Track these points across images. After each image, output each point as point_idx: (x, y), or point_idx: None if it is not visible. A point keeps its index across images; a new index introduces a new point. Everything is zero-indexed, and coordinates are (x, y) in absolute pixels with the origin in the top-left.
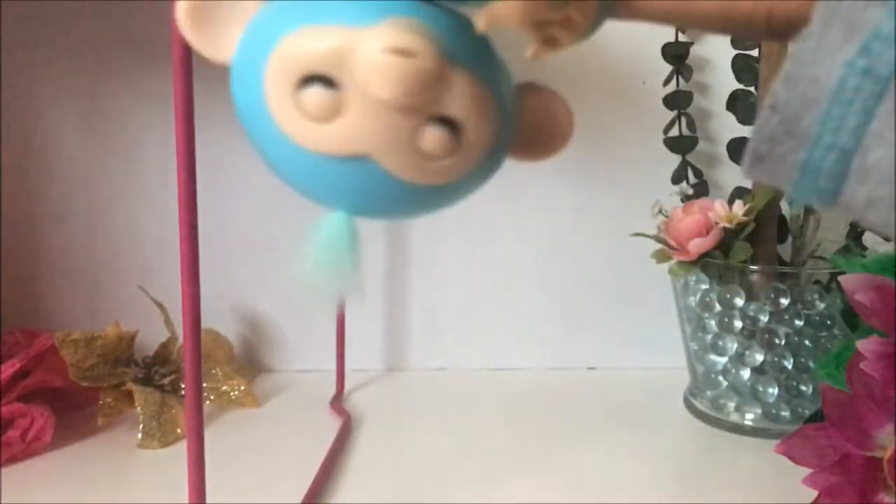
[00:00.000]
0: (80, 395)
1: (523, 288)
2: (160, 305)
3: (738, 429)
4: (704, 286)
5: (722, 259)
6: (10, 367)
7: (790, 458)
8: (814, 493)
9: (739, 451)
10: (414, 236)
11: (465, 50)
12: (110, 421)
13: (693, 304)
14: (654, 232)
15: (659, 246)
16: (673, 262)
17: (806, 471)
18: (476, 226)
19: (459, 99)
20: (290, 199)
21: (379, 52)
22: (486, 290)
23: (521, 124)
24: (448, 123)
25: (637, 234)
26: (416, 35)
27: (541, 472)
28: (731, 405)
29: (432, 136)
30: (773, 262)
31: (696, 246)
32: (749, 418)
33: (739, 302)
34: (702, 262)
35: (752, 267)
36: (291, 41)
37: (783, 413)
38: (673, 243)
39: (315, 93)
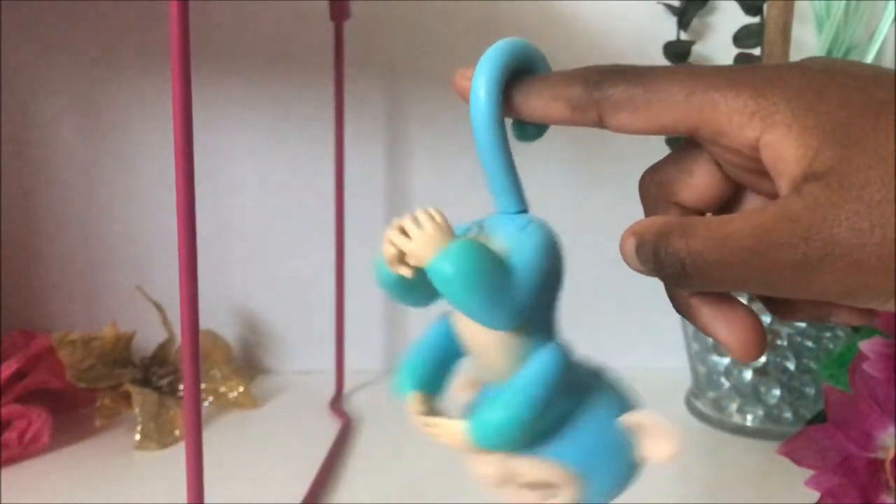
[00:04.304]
0: (78, 397)
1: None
2: (158, 306)
3: (740, 430)
4: None
5: None
6: (8, 369)
7: (793, 459)
8: (816, 495)
9: (741, 453)
10: None
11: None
12: (108, 422)
13: None
14: None
15: None
16: None
17: (808, 472)
18: None
19: (531, 477)
20: (290, 199)
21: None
22: None
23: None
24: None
25: None
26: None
27: None
28: (734, 406)
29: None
30: None
31: None
32: (751, 420)
33: None
34: None
35: None
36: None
37: (785, 414)
38: None
39: None
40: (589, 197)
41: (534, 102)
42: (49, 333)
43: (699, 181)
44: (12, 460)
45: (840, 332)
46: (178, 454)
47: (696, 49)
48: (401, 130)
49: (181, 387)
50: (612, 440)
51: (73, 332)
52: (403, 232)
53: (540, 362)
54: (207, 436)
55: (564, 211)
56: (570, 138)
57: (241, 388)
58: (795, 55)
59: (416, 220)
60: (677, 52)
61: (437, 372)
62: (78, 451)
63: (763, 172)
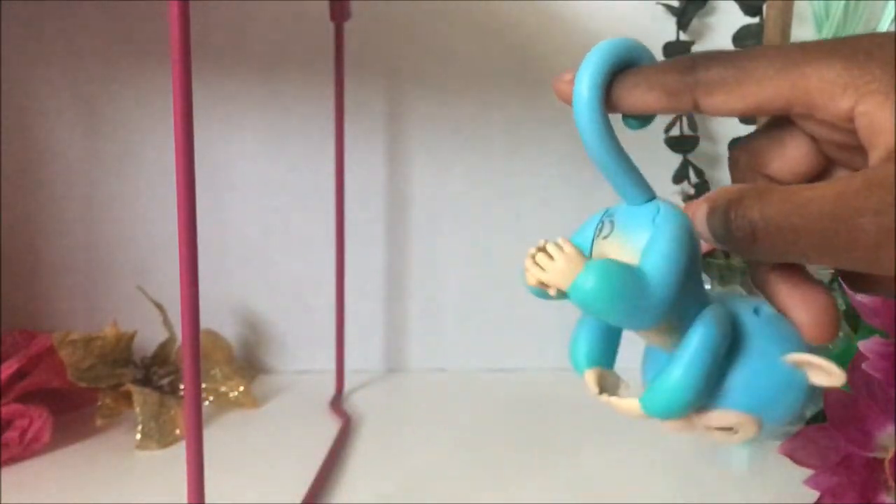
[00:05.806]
0: (79, 396)
1: (523, 288)
2: (159, 306)
3: None
4: (706, 286)
5: (723, 259)
6: (9, 368)
7: (793, 459)
8: (816, 495)
9: (742, 452)
10: (413, 236)
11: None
12: (109, 422)
13: None
14: None
15: None
16: None
17: (808, 472)
18: (476, 226)
19: (712, 425)
20: (290, 199)
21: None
22: (486, 290)
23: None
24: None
25: None
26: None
27: (541, 473)
28: None
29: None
30: None
31: None
32: None
33: None
34: (703, 262)
35: None
36: None
37: None
38: None
39: None
40: (589, 197)
41: (630, 95)
42: (50, 333)
43: (791, 151)
44: (13, 460)
45: (839, 332)
46: (178, 454)
47: (697, 49)
48: (401, 130)
49: (182, 386)
50: (782, 378)
51: (74, 332)
52: (537, 260)
53: (697, 337)
54: (208, 435)
55: (565, 211)
56: (570, 137)
57: (242, 388)
58: None
59: (546, 252)
60: (677, 52)
61: (606, 345)
62: (78, 450)
63: (857, 148)
